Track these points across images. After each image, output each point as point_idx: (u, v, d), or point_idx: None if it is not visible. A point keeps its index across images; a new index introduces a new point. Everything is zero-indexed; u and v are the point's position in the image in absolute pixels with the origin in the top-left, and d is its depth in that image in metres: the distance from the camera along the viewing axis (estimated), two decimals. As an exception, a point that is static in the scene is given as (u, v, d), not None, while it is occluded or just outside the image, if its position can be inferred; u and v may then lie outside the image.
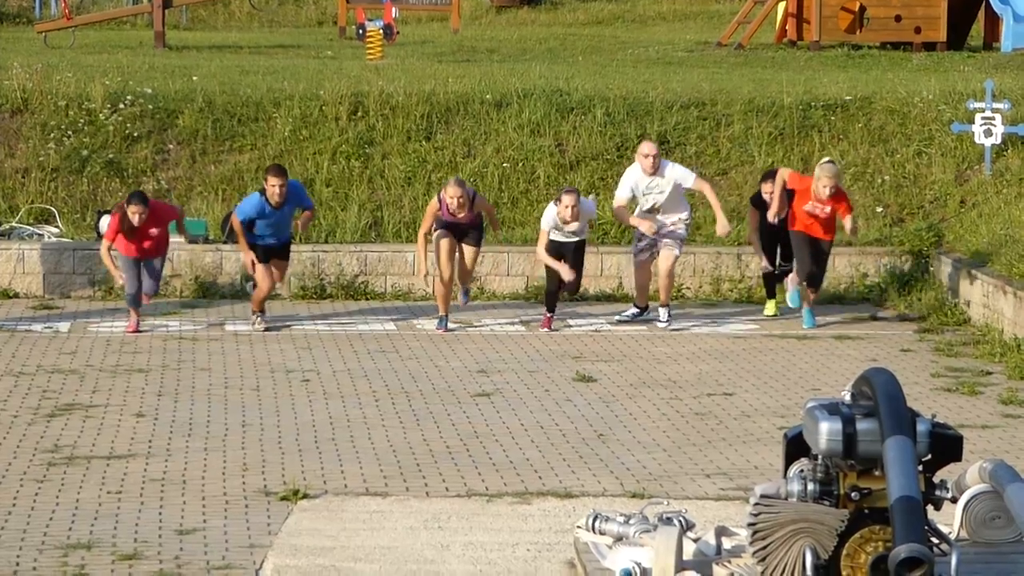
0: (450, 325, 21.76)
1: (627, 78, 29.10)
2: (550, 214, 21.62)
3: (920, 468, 10.72)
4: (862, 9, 34.77)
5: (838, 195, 21.68)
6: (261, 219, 21.41)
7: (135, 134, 25.28)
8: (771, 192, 22.03)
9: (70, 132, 25.10)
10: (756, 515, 10.86)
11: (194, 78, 27.06)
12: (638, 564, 11.43)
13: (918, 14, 34.80)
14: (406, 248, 24.06)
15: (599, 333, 21.77)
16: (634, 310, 22.58)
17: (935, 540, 10.70)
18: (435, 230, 21.51)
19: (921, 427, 10.89)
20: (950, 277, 23.36)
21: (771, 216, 22.03)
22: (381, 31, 33.43)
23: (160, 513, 13.78)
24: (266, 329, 21.51)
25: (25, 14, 40.29)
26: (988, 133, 25.15)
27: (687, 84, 27.87)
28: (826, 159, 22.50)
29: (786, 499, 10.92)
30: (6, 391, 17.97)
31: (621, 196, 22.33)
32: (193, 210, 24.40)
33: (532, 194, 25.01)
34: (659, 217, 22.13)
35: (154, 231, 21.41)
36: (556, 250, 21.72)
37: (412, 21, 39.42)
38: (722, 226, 22.56)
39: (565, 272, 21.44)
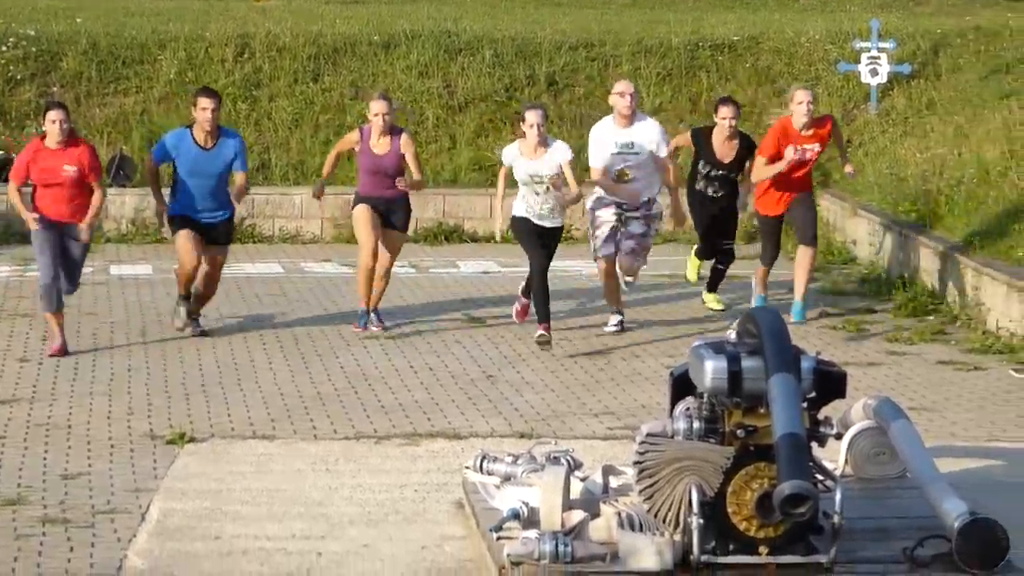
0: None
1: (516, 18, 29.12)
2: (511, 150, 17.82)
3: (804, 405, 10.80)
4: (750, -51, 34.91)
5: (820, 122, 18.77)
6: (184, 163, 17.49)
7: (18, 76, 25.15)
8: (730, 119, 18.81)
9: (-50, 75, 24.98)
10: (642, 454, 10.92)
11: (78, 19, 26.88)
12: (525, 504, 11.45)
13: (806, -46, 35.04)
14: (293, 191, 24.06)
15: (488, 275, 21.79)
16: (617, 317, 18.59)
17: (819, 476, 10.79)
18: (353, 199, 18.49)
19: (805, 364, 10.97)
20: (836, 216, 23.50)
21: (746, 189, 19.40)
22: (268, -28, 33.35)
23: (44, 458, 13.73)
24: (201, 334, 18.10)
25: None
26: (874, 73, 25.33)
27: (576, 25, 27.90)
28: (799, 84, 20.59)
29: (672, 437, 10.98)
30: None
31: (596, 161, 18.04)
32: (78, 153, 24.29)
33: (421, 136, 24.94)
34: (630, 188, 18.09)
35: (71, 169, 17.20)
36: (533, 232, 17.75)
37: (299, -38, 39.35)
38: (679, 219, 18.89)
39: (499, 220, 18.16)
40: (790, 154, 18.05)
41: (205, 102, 17.38)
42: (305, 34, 26.15)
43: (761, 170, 18.41)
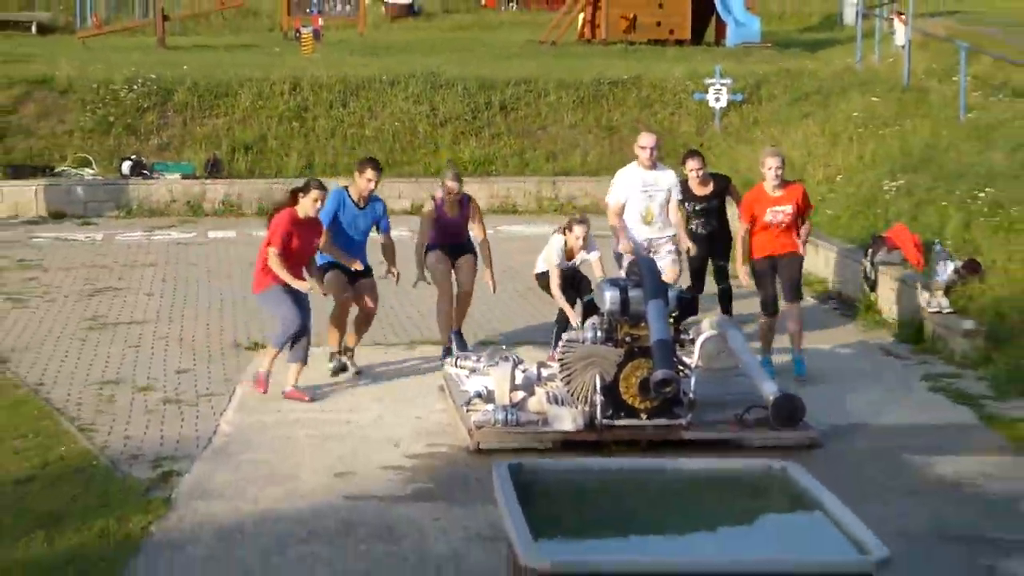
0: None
1: (479, 65, 28.90)
2: (557, 245, 13.20)
3: (671, 320, 10.86)
4: (635, 17, 34.69)
5: (792, 186, 13.42)
6: (344, 218, 13.21)
7: (144, 105, 24.94)
8: (696, 169, 14.67)
9: (100, 105, 24.72)
10: (563, 353, 10.99)
11: (184, 67, 26.67)
12: (485, 387, 11.52)
13: (672, 20, 34.77)
14: (329, 181, 23.79)
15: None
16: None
17: (681, 367, 10.86)
18: (427, 253, 13.89)
19: (671, 293, 11.08)
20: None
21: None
22: (311, 34, 33.03)
23: (164, 360, 13.73)
24: (356, 374, 13.31)
25: (69, 26, 39.61)
26: (717, 100, 25.27)
27: (519, 69, 27.74)
28: (769, 147, 15.53)
29: (583, 342, 11.04)
30: (60, 280, 17.78)
31: (616, 198, 13.87)
32: (184, 157, 24.20)
33: (415, 143, 24.90)
34: (648, 232, 13.90)
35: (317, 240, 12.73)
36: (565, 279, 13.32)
37: (332, 27, 38.97)
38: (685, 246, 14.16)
39: (574, 318, 12.75)
40: (768, 217, 13.21)
41: (371, 174, 13.18)
42: (337, 75, 26.00)
43: (739, 239, 13.58)
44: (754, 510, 6.80)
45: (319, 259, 12.92)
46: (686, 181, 14.76)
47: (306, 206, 12.18)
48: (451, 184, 13.87)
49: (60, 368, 13.36)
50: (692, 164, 14.70)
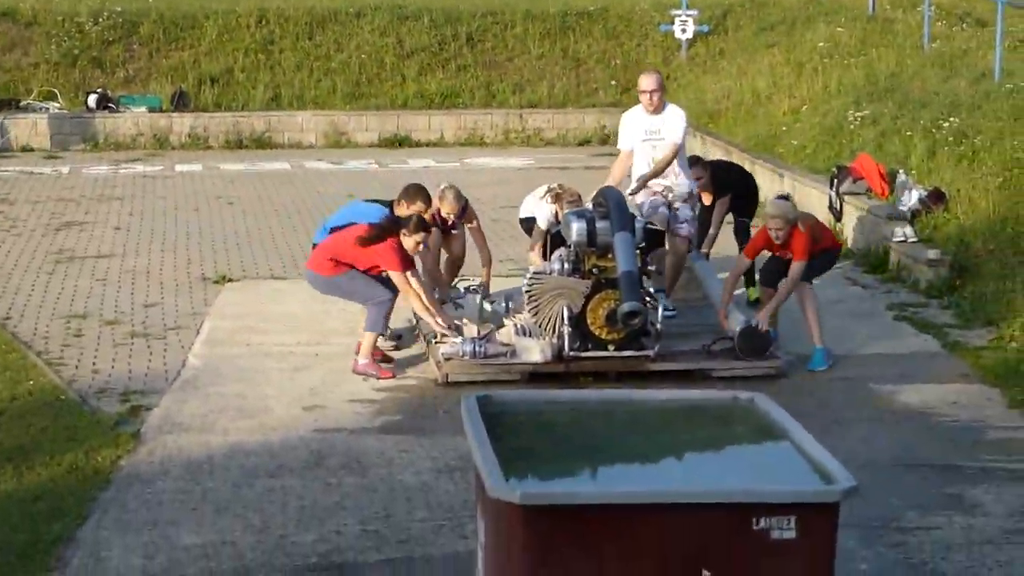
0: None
1: (444, -3, 28.78)
2: (546, 213, 12.12)
3: (637, 252, 10.82)
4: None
5: (796, 240, 11.11)
6: None
7: (110, 38, 24.71)
8: (698, 179, 12.64)
9: (65, 38, 24.47)
10: (531, 285, 10.94)
11: (149, 0, 26.40)
12: (458, 319, 11.49)
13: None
14: (297, 113, 23.84)
15: (429, 168, 21.62)
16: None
17: (648, 299, 10.83)
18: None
19: (638, 225, 11.02)
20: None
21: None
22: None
23: (132, 293, 13.64)
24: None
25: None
26: (684, 31, 25.17)
27: (486, 0, 27.57)
28: (778, 195, 12.25)
29: (550, 274, 10.99)
30: (26, 213, 17.65)
31: (622, 144, 12.26)
32: (150, 90, 24.03)
33: (382, 75, 24.76)
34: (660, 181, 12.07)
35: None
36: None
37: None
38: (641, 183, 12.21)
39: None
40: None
41: (421, 235, 11.11)
42: (303, 7, 25.78)
43: (727, 283, 11.45)
44: (722, 440, 6.79)
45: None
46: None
47: (409, 246, 11.06)
48: (452, 205, 12.18)
49: (27, 302, 13.27)
50: (696, 172, 12.67)
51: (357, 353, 11.11)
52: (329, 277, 11.17)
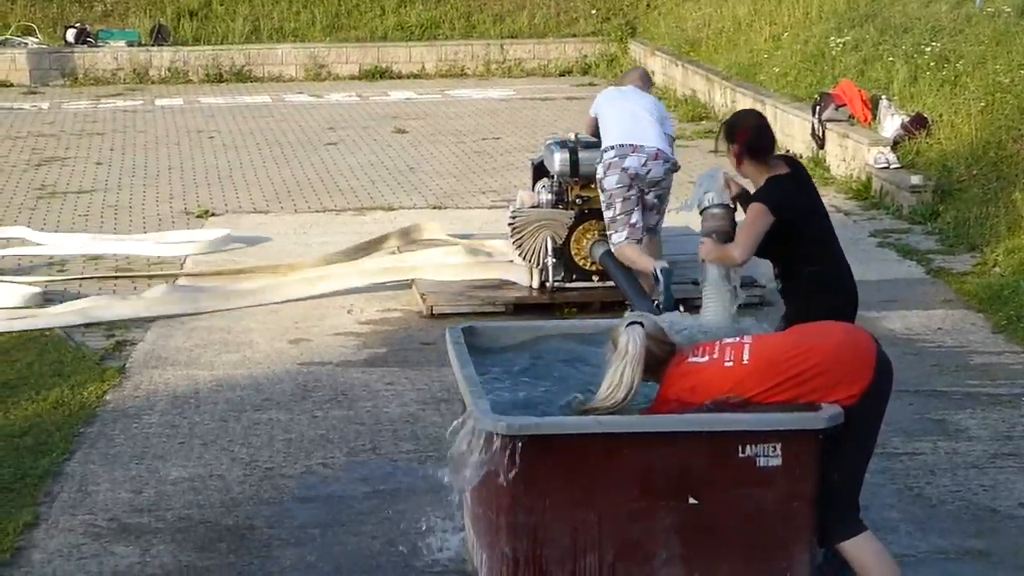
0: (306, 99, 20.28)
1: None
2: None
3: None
4: None
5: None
6: None
7: (87, -28, 24.58)
8: None
9: (42, -28, 24.38)
10: (514, 218, 10.89)
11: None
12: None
13: None
14: (277, 46, 23.68)
15: (410, 100, 21.58)
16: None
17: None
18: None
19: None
20: (640, 56, 23.35)
21: None
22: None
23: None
24: None
25: None
26: (665, -42, 24.99)
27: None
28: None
29: (534, 205, 10.94)
30: (7, 149, 17.55)
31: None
32: (129, 24, 23.87)
33: (361, 6, 24.60)
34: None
35: None
36: None
37: None
38: None
39: None
40: None
41: None
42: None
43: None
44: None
45: None
46: None
47: None
48: None
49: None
50: None
51: None
52: None
